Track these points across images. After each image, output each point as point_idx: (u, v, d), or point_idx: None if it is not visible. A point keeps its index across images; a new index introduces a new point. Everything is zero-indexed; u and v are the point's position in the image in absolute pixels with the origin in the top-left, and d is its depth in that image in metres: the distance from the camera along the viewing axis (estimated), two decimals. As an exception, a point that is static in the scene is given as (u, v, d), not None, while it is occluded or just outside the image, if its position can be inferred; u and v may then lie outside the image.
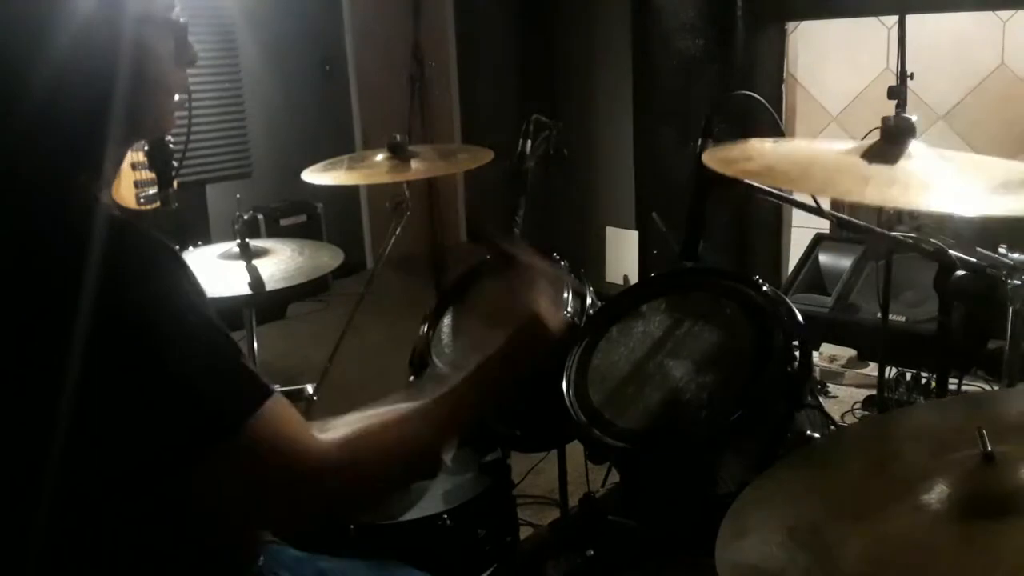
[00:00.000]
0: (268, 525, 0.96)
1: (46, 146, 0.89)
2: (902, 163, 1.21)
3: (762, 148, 1.39)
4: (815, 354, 3.41)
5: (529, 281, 1.18)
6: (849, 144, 1.30)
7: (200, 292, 0.91)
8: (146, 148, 1.66)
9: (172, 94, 1.01)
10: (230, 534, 0.97)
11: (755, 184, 1.40)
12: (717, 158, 1.38)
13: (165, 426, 0.86)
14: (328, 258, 2.39)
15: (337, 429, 0.98)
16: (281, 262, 2.31)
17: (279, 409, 0.92)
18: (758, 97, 1.72)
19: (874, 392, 3.12)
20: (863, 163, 1.23)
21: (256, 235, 4.24)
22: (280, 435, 0.91)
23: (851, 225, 1.57)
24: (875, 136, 1.29)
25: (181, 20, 0.98)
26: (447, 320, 1.80)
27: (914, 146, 1.24)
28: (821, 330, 3.47)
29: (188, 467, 0.87)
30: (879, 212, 2.66)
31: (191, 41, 1.00)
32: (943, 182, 1.20)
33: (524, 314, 1.15)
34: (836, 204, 2.03)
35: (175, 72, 0.99)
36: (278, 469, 0.90)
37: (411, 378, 1.64)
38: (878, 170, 1.20)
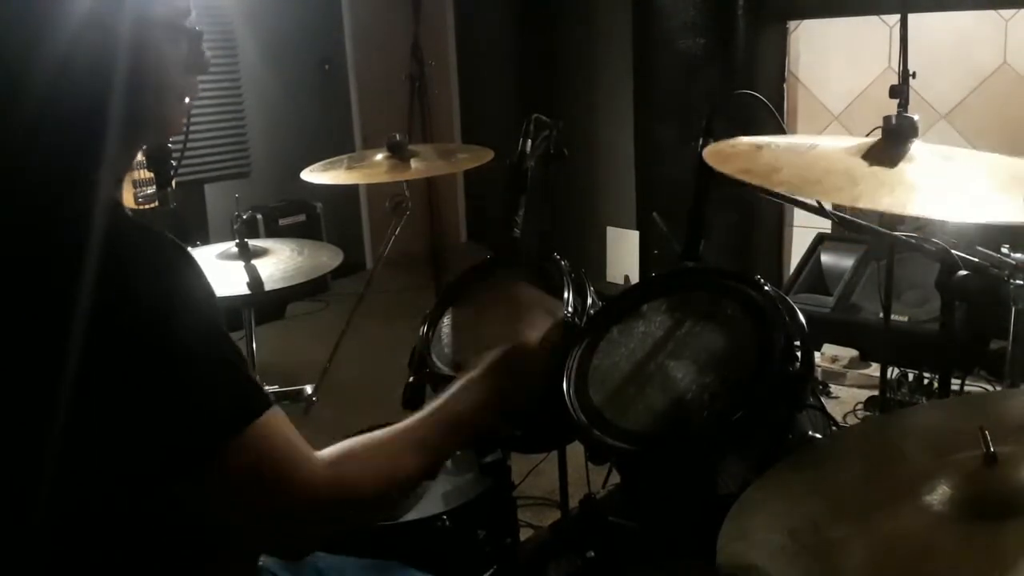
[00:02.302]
0: (254, 535, 0.95)
1: (48, 144, 0.89)
2: (907, 166, 1.20)
3: (765, 148, 1.37)
4: (817, 354, 3.40)
5: (520, 311, 1.26)
6: (853, 142, 1.29)
7: (210, 295, 0.91)
8: (144, 147, 1.66)
9: (182, 99, 1.01)
10: (220, 544, 0.96)
11: (756, 184, 1.39)
12: (717, 155, 1.37)
13: (161, 429, 0.85)
14: (327, 258, 2.39)
15: (329, 449, 0.98)
16: (280, 262, 2.31)
17: (277, 422, 0.92)
18: (759, 96, 1.72)
19: (876, 393, 3.11)
20: (868, 166, 1.21)
21: (255, 235, 4.24)
22: (275, 448, 0.91)
23: (853, 225, 1.57)
24: (876, 135, 1.28)
25: (196, 28, 0.98)
26: (447, 320, 1.79)
27: (919, 147, 1.23)
28: (823, 330, 3.47)
29: (182, 469, 0.86)
30: (881, 212, 2.66)
31: (204, 49, 1.00)
32: (954, 186, 1.20)
33: (511, 344, 1.22)
34: (838, 204, 2.02)
35: (186, 78, 1.00)
36: (269, 481, 0.90)
37: (411, 378, 1.63)
38: (884, 173, 1.20)
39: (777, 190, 1.29)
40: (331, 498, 0.95)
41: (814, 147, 1.30)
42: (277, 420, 0.92)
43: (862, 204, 1.17)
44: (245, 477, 0.89)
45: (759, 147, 1.36)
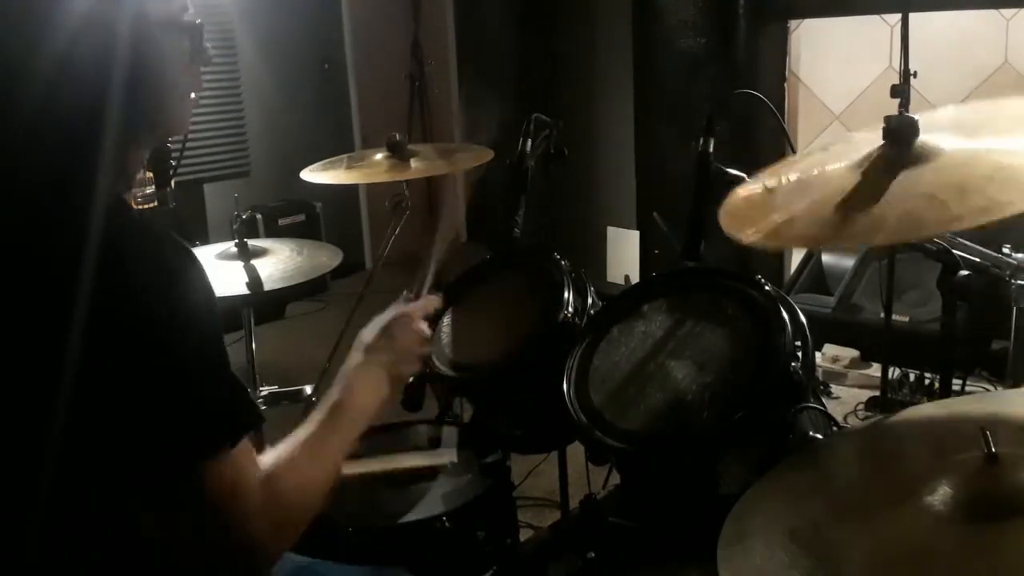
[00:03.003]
0: (209, 552, 0.92)
1: (48, 143, 0.89)
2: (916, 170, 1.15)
3: (776, 191, 1.29)
4: (817, 354, 3.39)
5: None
6: (854, 154, 1.24)
7: (209, 299, 0.90)
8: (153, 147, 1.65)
9: (188, 95, 1.01)
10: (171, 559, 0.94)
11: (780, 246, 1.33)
12: (733, 217, 1.29)
13: (149, 433, 0.85)
14: (327, 258, 2.39)
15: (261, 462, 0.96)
16: (279, 262, 2.30)
17: (245, 444, 0.91)
18: (760, 96, 1.71)
19: (877, 393, 3.11)
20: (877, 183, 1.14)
21: (254, 235, 4.23)
22: (247, 468, 0.91)
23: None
24: (874, 129, 1.25)
25: (197, 22, 0.98)
26: (447, 320, 1.79)
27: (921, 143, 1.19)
28: (824, 330, 3.46)
29: (169, 474, 0.86)
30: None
31: (205, 42, 1.00)
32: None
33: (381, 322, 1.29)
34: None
35: (188, 74, 1.00)
36: (230, 502, 0.88)
37: (410, 378, 1.63)
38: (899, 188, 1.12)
39: (799, 246, 1.24)
40: (273, 520, 0.93)
41: (822, 173, 1.25)
42: (247, 443, 0.91)
43: (882, 240, 1.14)
44: (216, 494, 0.87)
45: (769, 190, 1.29)
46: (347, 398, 1.15)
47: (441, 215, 1.53)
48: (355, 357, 1.24)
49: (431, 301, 1.43)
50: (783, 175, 1.29)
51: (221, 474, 0.87)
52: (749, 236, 1.20)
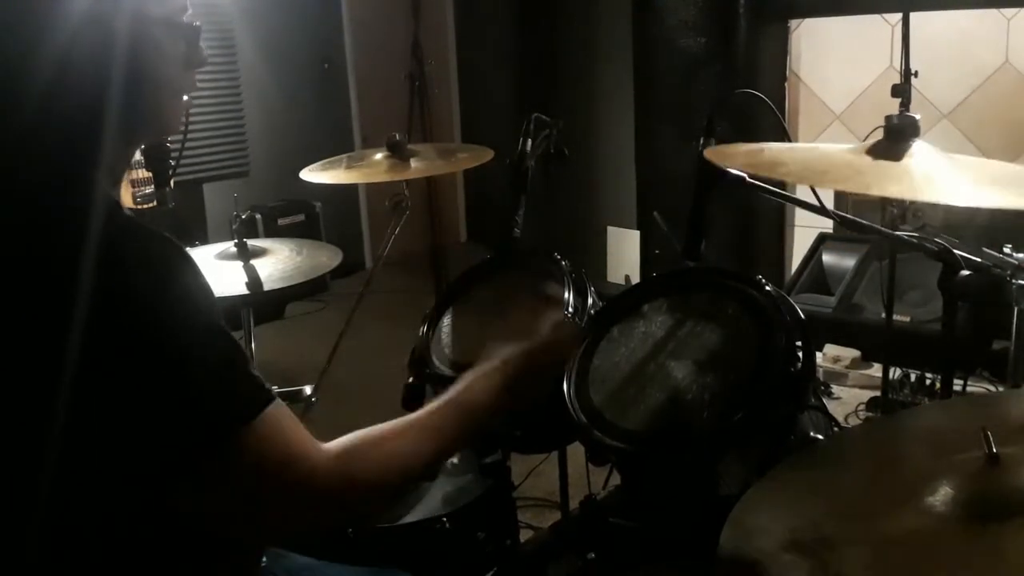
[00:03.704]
0: (260, 531, 0.96)
1: (47, 143, 0.89)
2: (911, 160, 1.21)
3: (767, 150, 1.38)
4: (818, 355, 3.40)
5: (541, 318, 1.25)
6: (854, 145, 1.29)
7: (208, 293, 0.90)
8: (143, 147, 1.65)
9: (181, 95, 1.01)
10: (225, 539, 0.96)
11: (758, 183, 1.38)
12: (720, 153, 1.38)
13: (163, 423, 0.85)
14: (326, 258, 2.39)
15: (336, 441, 0.98)
16: (279, 262, 2.30)
17: (280, 416, 0.91)
18: (761, 96, 1.71)
19: (878, 393, 3.11)
20: (872, 160, 1.21)
21: (254, 235, 4.23)
22: (279, 442, 0.90)
23: (855, 225, 1.56)
24: (878, 135, 1.27)
25: (194, 23, 0.98)
26: (447, 320, 1.79)
27: (920, 146, 1.23)
28: (824, 330, 3.47)
29: (184, 467, 0.86)
30: (883, 212, 2.65)
31: (201, 44, 1.00)
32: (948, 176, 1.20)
33: (529, 343, 1.20)
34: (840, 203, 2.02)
35: (184, 74, 1.00)
36: (274, 475, 0.90)
37: (410, 378, 1.62)
38: (890, 165, 1.20)
39: (784, 179, 1.29)
40: (339, 489, 0.95)
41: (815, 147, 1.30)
42: (280, 415, 0.91)
43: (873, 191, 1.17)
44: (249, 473, 0.88)
45: (761, 150, 1.35)
46: (461, 395, 1.12)
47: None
48: (489, 362, 1.19)
49: (575, 335, 1.38)
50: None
51: (253, 445, 0.88)
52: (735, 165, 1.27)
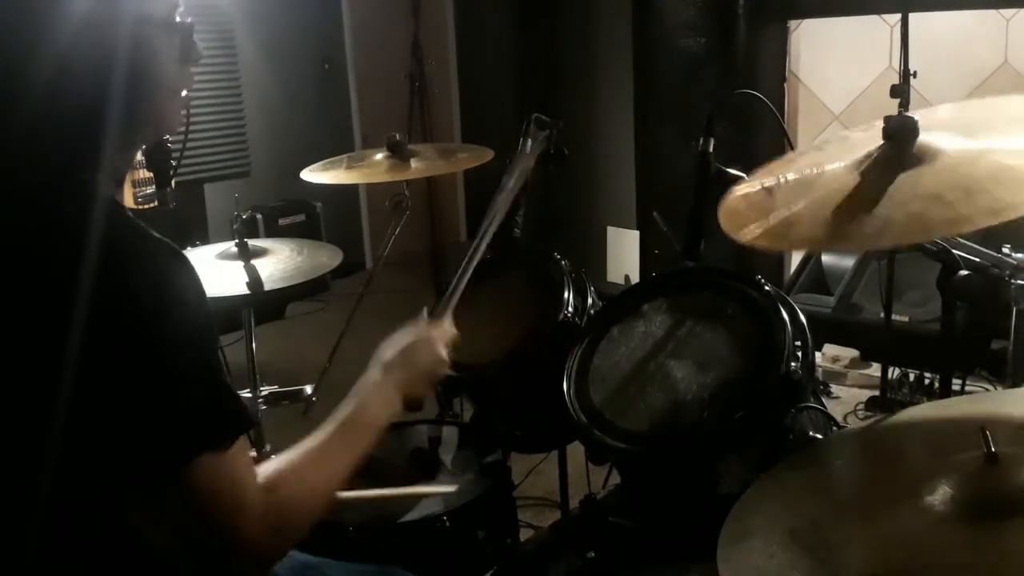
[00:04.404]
0: (197, 560, 0.92)
1: (47, 143, 0.89)
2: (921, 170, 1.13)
3: (775, 191, 1.28)
4: (817, 354, 3.40)
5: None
6: (854, 154, 1.24)
7: (202, 303, 0.90)
8: (144, 147, 1.65)
9: (177, 93, 1.01)
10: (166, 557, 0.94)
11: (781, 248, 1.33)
12: (732, 216, 1.29)
13: (140, 435, 0.85)
14: (327, 258, 2.39)
15: (263, 476, 0.97)
16: (280, 262, 2.30)
17: (244, 445, 0.92)
18: (760, 96, 1.71)
19: (877, 393, 3.12)
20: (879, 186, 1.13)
21: (255, 235, 4.23)
22: (237, 472, 0.91)
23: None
24: (873, 130, 1.25)
25: (187, 20, 0.98)
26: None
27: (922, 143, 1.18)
28: (823, 330, 3.46)
29: (144, 479, 0.86)
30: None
31: (195, 40, 1.00)
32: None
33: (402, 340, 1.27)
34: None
35: (180, 72, 1.00)
36: (226, 505, 0.89)
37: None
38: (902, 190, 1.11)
39: (800, 249, 1.24)
40: (273, 525, 0.93)
41: (820, 172, 1.24)
42: (244, 442, 0.92)
43: (888, 242, 1.13)
44: (207, 497, 0.87)
45: (768, 190, 1.28)
46: (359, 413, 1.15)
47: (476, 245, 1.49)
48: (372, 374, 1.23)
49: (450, 328, 1.39)
50: (781, 175, 1.29)
51: (212, 475, 0.87)
52: (749, 235, 1.19)
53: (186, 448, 0.86)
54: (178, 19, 0.98)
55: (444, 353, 1.32)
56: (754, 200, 1.28)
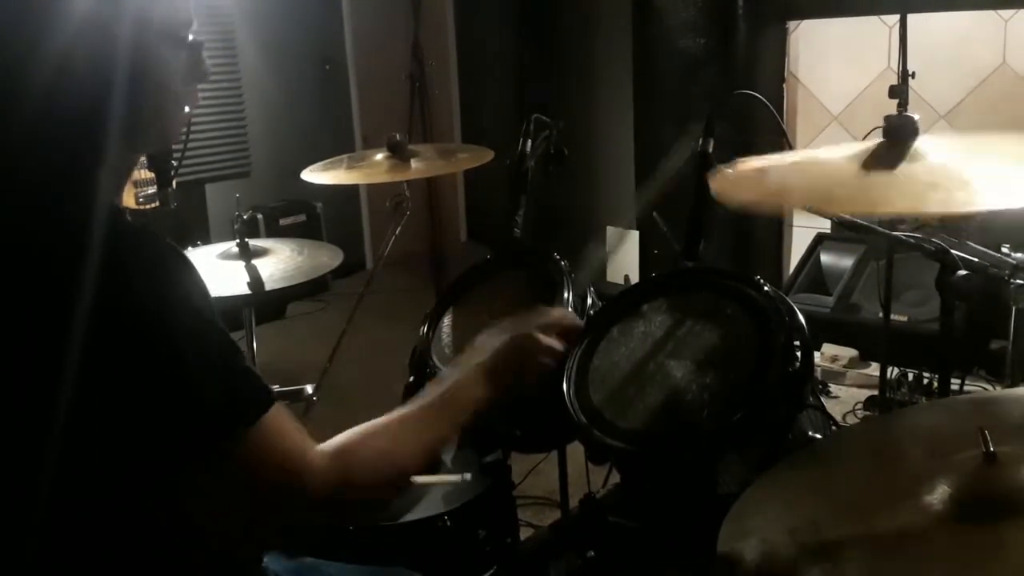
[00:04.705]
0: (257, 533, 0.96)
1: (47, 145, 0.89)
2: (916, 165, 1.17)
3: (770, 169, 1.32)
4: (816, 354, 3.40)
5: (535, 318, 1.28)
6: (853, 148, 1.26)
7: (206, 296, 0.91)
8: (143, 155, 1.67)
9: (182, 107, 1.02)
10: (223, 540, 0.97)
11: (771, 207, 1.35)
12: (728, 183, 1.34)
13: (164, 424, 0.86)
14: (327, 258, 2.39)
15: (331, 441, 0.99)
16: (280, 262, 2.30)
17: (279, 419, 0.92)
18: (759, 96, 1.71)
19: (876, 392, 3.11)
20: (877, 170, 1.17)
21: (255, 235, 4.23)
22: (277, 445, 0.92)
23: (853, 224, 1.57)
24: (875, 136, 1.27)
25: (198, 39, 0.99)
26: (447, 320, 1.79)
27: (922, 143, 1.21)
28: (822, 330, 3.47)
29: (183, 469, 0.87)
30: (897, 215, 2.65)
31: (204, 58, 1.01)
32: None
33: (519, 333, 1.23)
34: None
35: (186, 88, 1.00)
36: (272, 478, 0.91)
37: (411, 378, 1.63)
38: (895, 175, 1.15)
39: (794, 207, 1.27)
40: (335, 490, 0.96)
41: (815, 157, 1.26)
42: (278, 416, 0.92)
43: (880, 209, 1.15)
44: (249, 475, 0.89)
45: (761, 171, 1.31)
46: (455, 393, 1.15)
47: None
48: (478, 354, 1.22)
49: (572, 322, 1.37)
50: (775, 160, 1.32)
51: (253, 449, 0.89)
52: (740, 199, 1.22)
53: (215, 429, 0.87)
54: (190, 37, 0.98)
55: (554, 353, 1.31)
56: (746, 174, 1.32)
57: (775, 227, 4.19)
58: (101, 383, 0.84)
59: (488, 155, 2.41)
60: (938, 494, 0.90)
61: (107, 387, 0.84)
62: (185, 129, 1.24)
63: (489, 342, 1.24)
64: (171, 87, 0.98)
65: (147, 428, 0.85)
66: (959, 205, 1.05)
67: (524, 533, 1.98)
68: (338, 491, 0.96)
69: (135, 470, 0.87)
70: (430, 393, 1.12)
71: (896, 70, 2.36)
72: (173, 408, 0.86)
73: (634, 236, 4.35)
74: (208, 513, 0.91)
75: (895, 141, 1.19)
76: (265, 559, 1.20)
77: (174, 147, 1.80)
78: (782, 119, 3.71)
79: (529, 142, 1.92)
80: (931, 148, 1.18)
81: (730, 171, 1.33)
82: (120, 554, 0.91)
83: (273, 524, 0.96)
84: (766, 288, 1.43)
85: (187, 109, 1.02)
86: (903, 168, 1.15)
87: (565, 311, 1.37)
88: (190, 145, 1.90)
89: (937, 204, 1.09)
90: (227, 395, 0.88)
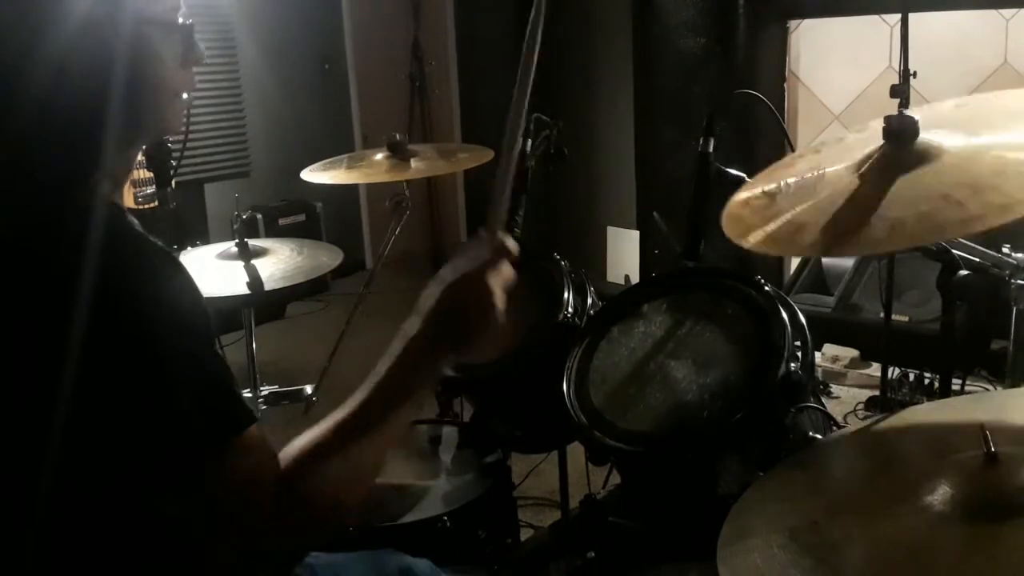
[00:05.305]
0: (220, 555, 0.90)
1: (46, 144, 0.89)
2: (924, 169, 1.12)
3: (778, 195, 1.25)
4: (817, 354, 3.40)
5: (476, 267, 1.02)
6: (853, 154, 1.24)
7: (197, 304, 0.90)
8: (144, 147, 1.66)
9: (179, 95, 1.01)
10: (195, 560, 0.91)
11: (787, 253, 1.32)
12: (736, 222, 1.25)
13: (142, 437, 0.85)
14: (327, 258, 2.39)
15: (282, 462, 0.93)
16: (280, 262, 2.30)
17: (257, 438, 0.90)
18: (760, 96, 1.72)
19: (877, 393, 3.11)
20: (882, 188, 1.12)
21: (255, 235, 4.24)
22: (244, 466, 0.89)
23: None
24: (872, 129, 1.25)
25: (188, 22, 0.98)
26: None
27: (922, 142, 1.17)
28: (823, 330, 3.47)
29: (164, 477, 0.86)
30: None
31: (196, 41, 1.00)
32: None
33: (450, 279, 1.01)
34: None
35: (181, 73, 0.99)
36: (236, 500, 0.88)
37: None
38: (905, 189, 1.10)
39: (809, 254, 1.23)
40: (294, 517, 0.92)
41: (821, 175, 1.23)
42: (258, 435, 0.90)
43: (901, 245, 1.07)
44: (213, 492, 0.87)
45: (770, 196, 1.25)
46: (394, 376, 0.99)
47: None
48: (410, 327, 1.00)
49: (508, 246, 1.05)
50: (782, 180, 1.29)
51: (216, 470, 0.87)
52: (753, 240, 1.17)
53: (182, 445, 0.86)
54: (179, 20, 0.98)
55: (502, 284, 1.02)
56: (756, 205, 1.28)
57: (775, 227, 4.18)
58: (93, 386, 0.83)
59: (488, 155, 2.41)
60: (939, 494, 0.90)
61: (98, 390, 0.83)
62: (184, 129, 1.23)
63: (424, 304, 1.02)
64: (168, 76, 0.97)
65: (127, 436, 0.85)
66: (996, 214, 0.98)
67: (524, 533, 1.98)
68: (296, 519, 0.91)
69: (122, 474, 0.86)
70: (370, 383, 0.99)
71: (897, 69, 2.35)
72: (149, 417, 0.85)
73: (634, 236, 4.35)
74: (183, 530, 0.89)
75: (897, 143, 1.18)
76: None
77: (173, 147, 1.80)
78: (783, 119, 3.71)
79: (529, 142, 1.92)
80: (939, 142, 1.15)
81: (738, 201, 1.29)
82: (110, 559, 0.91)
83: (236, 545, 0.89)
84: (767, 288, 1.43)
85: (185, 96, 1.01)
86: (912, 182, 1.09)
87: (492, 233, 1.07)
88: (189, 145, 1.90)
89: (959, 224, 1.01)
90: (209, 411, 0.87)
